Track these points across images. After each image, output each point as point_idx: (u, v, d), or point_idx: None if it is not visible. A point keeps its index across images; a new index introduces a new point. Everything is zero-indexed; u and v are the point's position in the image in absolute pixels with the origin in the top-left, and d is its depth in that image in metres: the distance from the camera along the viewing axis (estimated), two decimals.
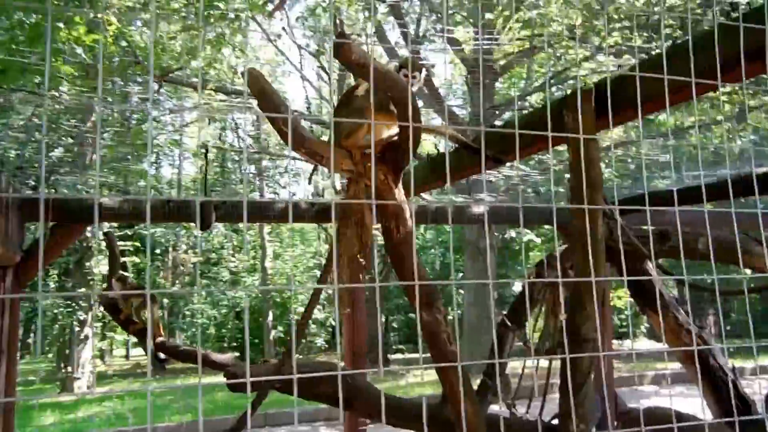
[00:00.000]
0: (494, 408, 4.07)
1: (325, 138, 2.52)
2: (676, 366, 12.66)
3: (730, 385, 3.67)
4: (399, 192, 2.07)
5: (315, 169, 9.72)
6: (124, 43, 8.05)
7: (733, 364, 3.82)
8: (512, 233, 17.73)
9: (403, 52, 12.47)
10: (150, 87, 7.69)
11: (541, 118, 3.20)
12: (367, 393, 3.27)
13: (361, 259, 2.12)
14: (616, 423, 3.16)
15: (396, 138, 1.93)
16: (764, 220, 6.39)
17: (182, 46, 9.37)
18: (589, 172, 2.79)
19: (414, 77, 2.05)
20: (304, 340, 18.15)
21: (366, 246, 2.13)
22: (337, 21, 11.04)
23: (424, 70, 2.09)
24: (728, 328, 17.42)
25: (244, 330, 17.73)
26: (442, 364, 2.28)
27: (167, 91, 9.08)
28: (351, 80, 11.20)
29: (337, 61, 1.55)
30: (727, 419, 2.25)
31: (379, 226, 2.12)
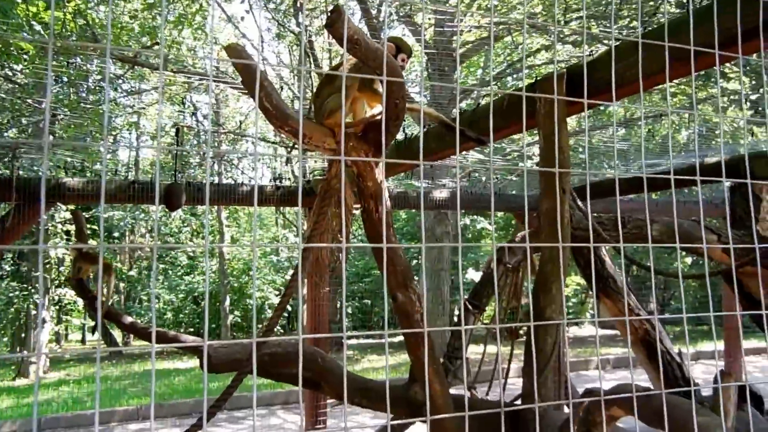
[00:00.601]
0: (453, 391, 4.14)
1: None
2: (619, 351, 13.06)
3: (676, 368, 3.81)
4: (379, 172, 2.10)
5: (293, 147, 9.66)
6: (82, 22, 7.87)
7: (678, 348, 3.97)
8: (467, 221, 17.92)
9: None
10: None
11: (514, 101, 3.29)
12: (337, 374, 3.30)
13: (340, 238, 2.15)
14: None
15: (379, 117, 1.96)
16: (709, 208, 6.65)
17: (141, 26, 9.20)
18: (559, 156, 2.88)
19: (403, 60, 2.09)
20: (260, 325, 18.07)
21: (346, 225, 2.15)
22: (299, 3, 10.97)
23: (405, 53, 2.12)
24: (667, 315, 18.02)
25: (203, 313, 17.55)
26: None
27: (128, 73, 8.89)
28: (314, 62, 11.12)
29: (330, 36, 1.57)
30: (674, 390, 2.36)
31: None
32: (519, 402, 3.51)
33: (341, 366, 3.45)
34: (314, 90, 2.27)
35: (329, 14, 1.46)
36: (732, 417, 2.52)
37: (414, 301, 2.39)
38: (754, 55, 2.67)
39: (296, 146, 9.33)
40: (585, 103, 2.53)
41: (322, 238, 2.21)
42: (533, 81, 3.18)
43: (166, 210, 5.50)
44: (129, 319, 4.05)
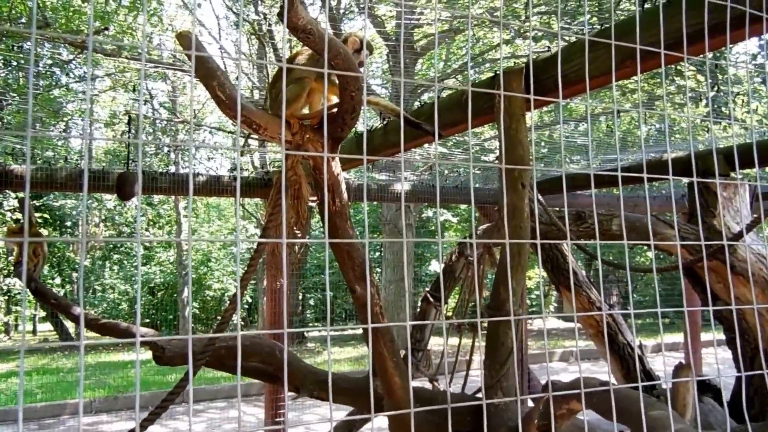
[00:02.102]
0: (414, 384, 4.13)
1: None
2: (582, 343, 13.25)
3: (637, 360, 3.87)
4: (336, 164, 2.05)
5: (248, 138, 9.52)
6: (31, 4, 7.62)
7: (640, 341, 4.02)
8: (429, 213, 17.98)
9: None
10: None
11: (474, 96, 3.27)
12: (295, 367, 3.27)
13: (297, 231, 2.10)
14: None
15: (335, 109, 1.92)
16: (670, 205, 6.76)
17: (96, 10, 8.95)
18: (517, 151, 2.88)
19: (366, 56, 2.05)
20: (218, 318, 17.87)
21: (302, 217, 2.11)
22: None
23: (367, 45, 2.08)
24: (628, 307, 18.29)
25: (164, 306, 17.30)
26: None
27: (80, 59, 8.65)
28: (274, 51, 10.99)
29: (273, 30, 1.52)
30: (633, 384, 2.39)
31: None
32: (480, 394, 3.53)
33: (299, 359, 3.41)
34: (270, 80, 2.22)
35: (281, 3, 1.41)
36: (690, 409, 2.56)
37: (373, 294, 2.37)
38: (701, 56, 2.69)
39: (251, 137, 9.22)
40: (531, 99, 2.52)
41: (277, 231, 2.16)
42: (493, 75, 3.16)
43: (120, 199, 5.36)
44: (55, 296, 3.94)
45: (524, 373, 4.66)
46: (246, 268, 2.12)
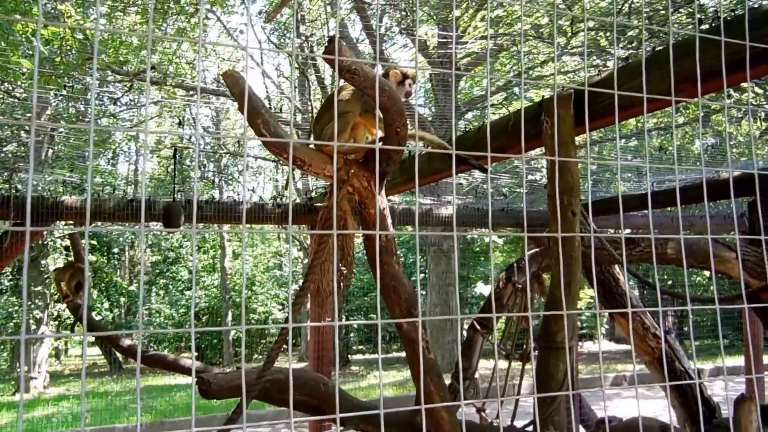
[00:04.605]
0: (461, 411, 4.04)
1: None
2: (636, 368, 12.82)
3: (696, 388, 3.70)
4: (382, 199, 2.01)
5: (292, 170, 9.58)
6: (80, 36, 7.82)
7: (696, 366, 3.85)
8: (474, 234, 17.79)
9: (366, 49, 12.39)
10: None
11: (518, 121, 3.19)
12: (342, 400, 3.21)
13: (343, 267, 2.06)
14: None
15: (381, 143, 1.88)
16: (726, 223, 6.52)
17: (140, 39, 9.15)
18: (566, 178, 2.79)
19: (410, 85, 2.01)
20: (264, 341, 17.93)
21: (347, 254, 2.07)
22: (299, 16, 10.91)
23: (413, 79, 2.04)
24: (685, 328, 17.69)
25: (209, 330, 17.40)
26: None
27: (125, 87, 8.84)
28: (313, 78, 11.08)
29: (325, 63, 1.49)
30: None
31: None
32: (530, 429, 3.42)
33: (345, 392, 3.36)
34: (314, 115, 2.19)
35: (326, 45, 1.38)
36: None
37: (418, 328, 2.32)
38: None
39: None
40: (587, 129, 2.42)
41: (323, 267, 2.12)
42: (540, 100, 3.09)
43: (166, 228, 5.43)
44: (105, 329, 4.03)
45: (576, 406, 4.51)
46: (293, 305, 2.08)
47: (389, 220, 2.06)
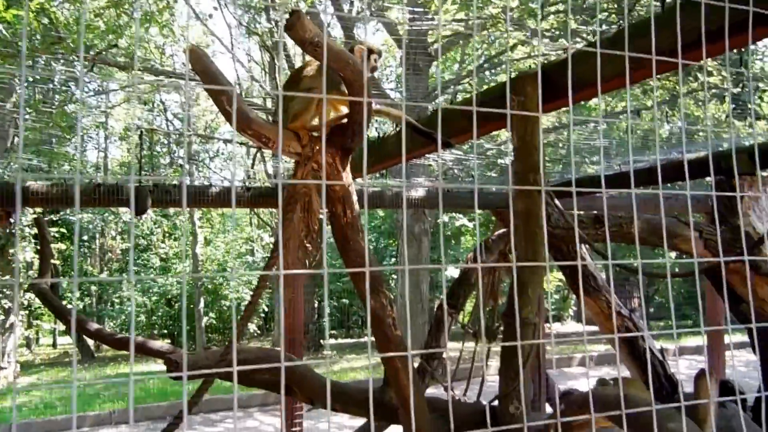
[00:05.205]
0: (430, 390, 4.09)
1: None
2: (601, 348, 13.09)
3: (658, 365, 3.79)
4: (347, 175, 2.03)
5: (258, 151, 9.54)
6: (46, 20, 7.68)
7: (660, 345, 3.95)
8: (445, 218, 17.89)
9: (336, 32, 12.35)
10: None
11: (487, 101, 3.23)
12: (309, 379, 3.23)
13: (308, 244, 2.08)
14: (561, 405, 3.22)
15: (345, 120, 1.89)
16: (692, 204, 6.65)
17: (107, 23, 9.01)
18: (533, 156, 2.82)
19: (375, 60, 2.02)
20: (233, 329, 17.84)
21: (312, 231, 2.08)
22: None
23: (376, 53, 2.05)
24: (651, 310, 18.01)
25: (181, 317, 17.34)
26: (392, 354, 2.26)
27: (93, 72, 8.70)
28: (283, 61, 11.02)
29: (286, 37, 1.49)
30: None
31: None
32: (496, 403, 3.48)
33: (312, 370, 3.38)
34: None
35: (288, 17, 1.38)
36: (712, 415, 2.50)
37: (385, 306, 2.35)
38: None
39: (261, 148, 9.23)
40: (540, 111, 2.48)
41: (288, 244, 2.13)
42: (506, 80, 3.11)
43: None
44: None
45: (542, 380, 4.59)
46: (255, 289, 2.09)
47: (354, 197, 2.08)
